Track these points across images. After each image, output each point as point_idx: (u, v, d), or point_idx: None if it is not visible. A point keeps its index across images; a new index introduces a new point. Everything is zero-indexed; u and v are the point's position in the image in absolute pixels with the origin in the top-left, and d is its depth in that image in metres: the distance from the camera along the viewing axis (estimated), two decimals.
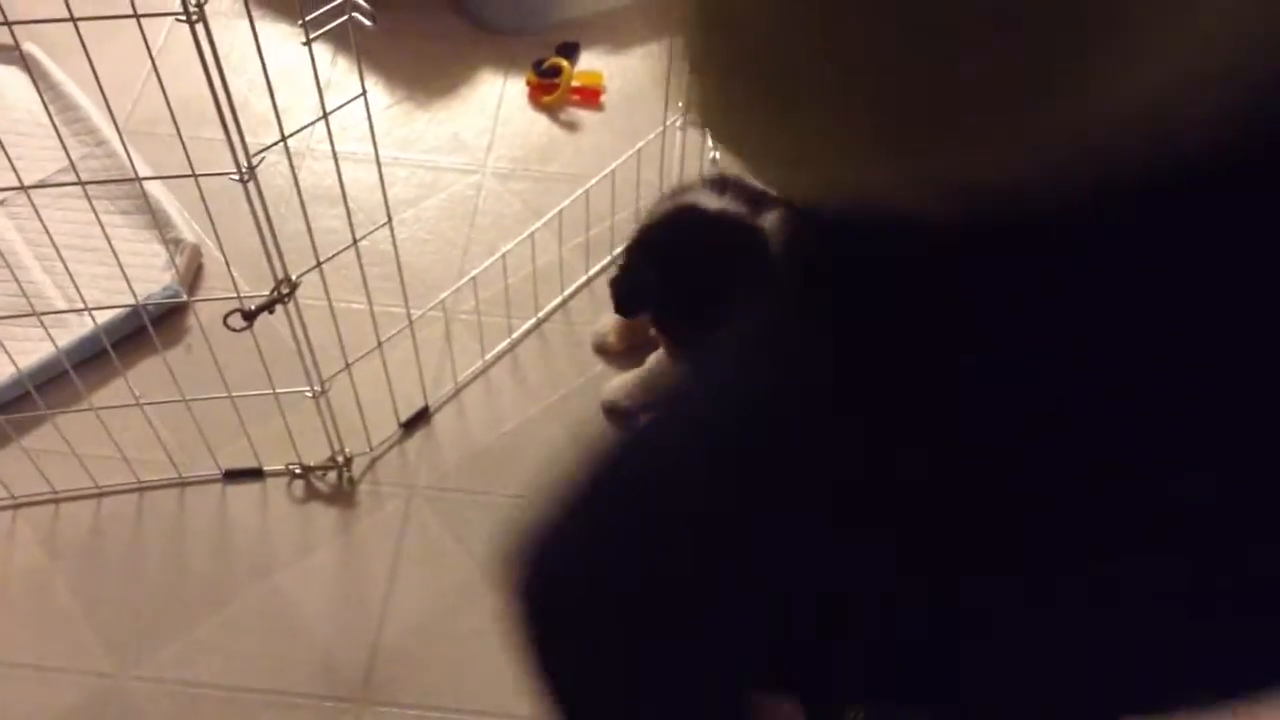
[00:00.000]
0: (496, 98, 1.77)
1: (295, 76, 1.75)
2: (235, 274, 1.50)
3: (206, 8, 0.89)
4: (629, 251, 1.32)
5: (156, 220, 1.53)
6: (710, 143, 1.68)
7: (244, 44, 1.86)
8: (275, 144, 1.01)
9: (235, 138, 0.97)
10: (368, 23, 0.99)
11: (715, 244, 1.24)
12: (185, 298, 1.47)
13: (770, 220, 1.22)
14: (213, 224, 1.09)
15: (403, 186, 1.66)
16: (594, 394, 1.46)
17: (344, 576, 1.31)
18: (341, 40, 1.79)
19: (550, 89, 1.75)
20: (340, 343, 1.26)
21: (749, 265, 1.20)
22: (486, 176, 1.68)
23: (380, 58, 1.81)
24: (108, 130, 1.64)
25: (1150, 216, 0.41)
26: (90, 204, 1.13)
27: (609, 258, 1.59)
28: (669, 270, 1.27)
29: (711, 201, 1.25)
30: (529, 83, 1.77)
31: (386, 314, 1.39)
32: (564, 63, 1.75)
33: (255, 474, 1.38)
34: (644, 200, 1.62)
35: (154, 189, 1.57)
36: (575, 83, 1.76)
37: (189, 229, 1.54)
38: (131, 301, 1.25)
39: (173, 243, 1.52)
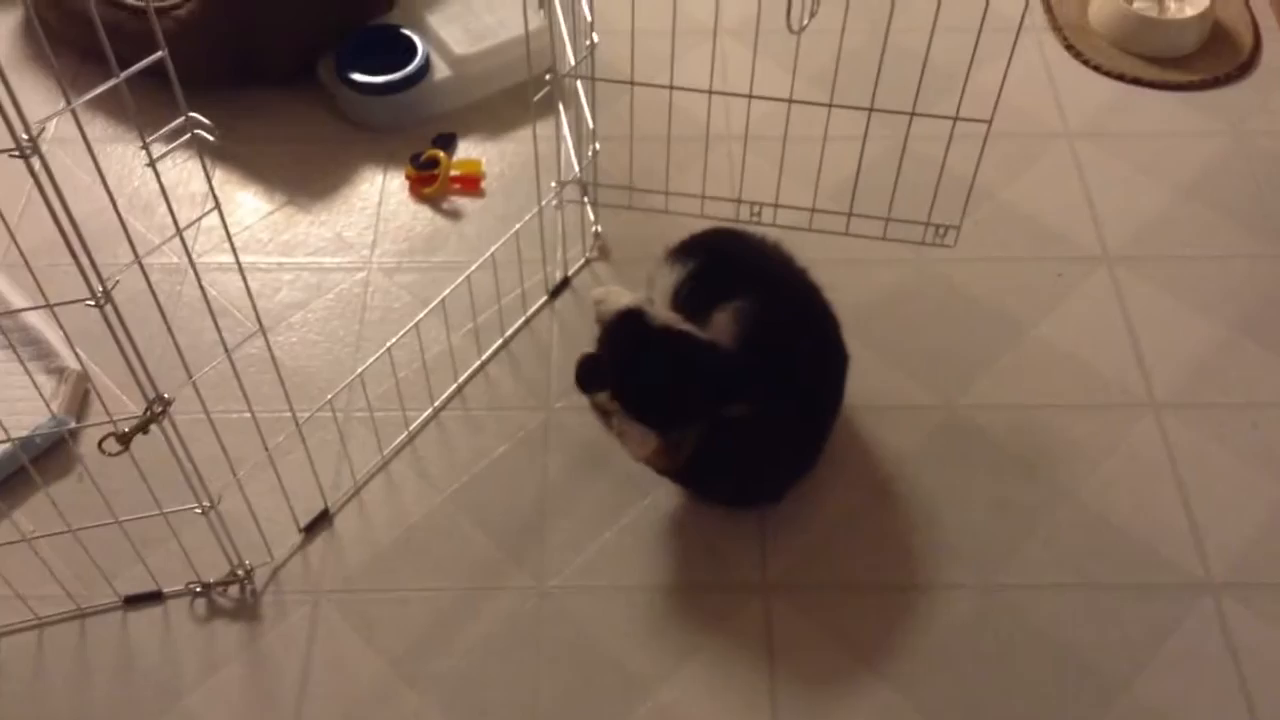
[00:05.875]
0: (377, 194, 1.79)
1: (170, 192, 1.76)
2: (121, 396, 1.50)
3: (64, 133, 0.90)
4: (600, 332, 1.42)
5: (39, 351, 1.52)
6: (592, 216, 1.70)
7: (117, 165, 1.88)
8: (129, 265, 1.01)
9: (85, 263, 0.97)
10: (210, 138, 1.00)
11: (658, 352, 1.34)
12: (72, 426, 1.45)
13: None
14: (74, 349, 1.09)
15: (289, 290, 1.66)
16: (496, 478, 1.46)
17: (253, 692, 1.28)
18: (214, 153, 1.82)
19: (429, 181, 1.77)
20: (226, 454, 1.25)
21: (688, 372, 1.32)
22: (373, 272, 1.68)
23: (257, 165, 1.82)
24: None
25: None
26: None
27: (500, 341, 1.60)
28: (620, 366, 1.37)
29: (661, 315, 1.35)
30: (408, 177, 1.79)
31: (278, 420, 1.39)
32: (440, 154, 1.77)
33: (155, 597, 1.36)
34: (529, 281, 1.64)
35: (35, 320, 1.56)
36: (454, 172, 1.78)
37: (73, 357, 1.52)
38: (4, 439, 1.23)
39: (56, 372, 1.51)
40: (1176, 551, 1.38)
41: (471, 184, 1.78)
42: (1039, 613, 1.33)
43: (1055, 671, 1.29)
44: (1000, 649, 1.31)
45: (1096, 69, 1.97)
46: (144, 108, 0.96)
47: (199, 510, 1.24)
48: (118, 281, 1.01)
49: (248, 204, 1.77)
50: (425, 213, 1.76)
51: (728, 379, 1.31)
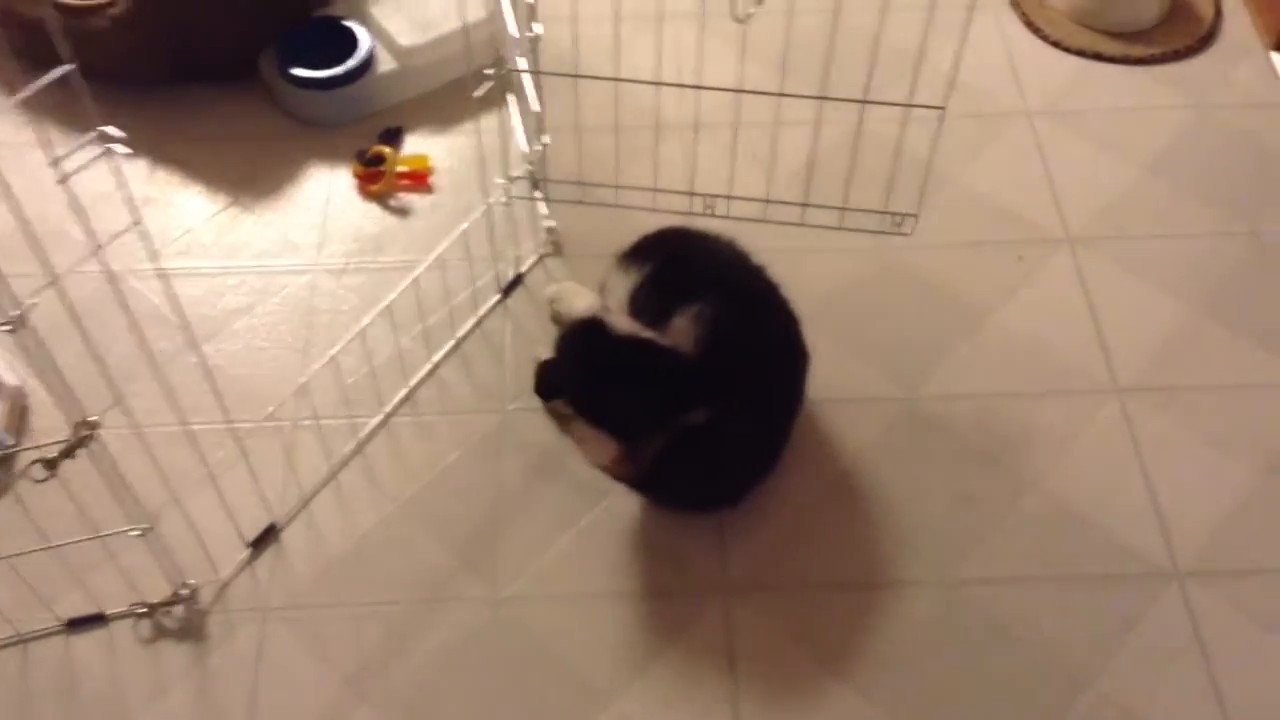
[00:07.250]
0: (324, 193, 1.74)
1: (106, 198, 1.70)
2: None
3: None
4: (557, 342, 1.41)
5: None
6: (544, 211, 1.66)
7: (51, 171, 1.82)
8: (46, 287, 0.97)
9: None
10: (125, 151, 0.96)
11: (619, 361, 1.32)
12: (7, 448, 1.41)
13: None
14: (6, 367, 1.04)
15: (234, 295, 1.61)
16: (450, 485, 1.42)
17: (201, 714, 1.25)
18: (154, 153, 1.76)
19: (376, 177, 1.72)
20: (162, 474, 1.21)
21: (651, 381, 1.30)
22: (320, 275, 1.64)
23: (199, 165, 1.77)
24: None
25: None
26: None
27: (452, 342, 1.56)
28: (581, 376, 1.35)
29: (621, 323, 1.33)
30: (355, 174, 1.74)
31: (224, 432, 1.35)
32: (386, 150, 1.73)
33: (99, 619, 1.32)
34: (481, 279, 1.60)
35: None
36: (402, 168, 1.74)
37: (11, 372, 1.48)
38: None
39: None
40: (1142, 540, 1.36)
41: (420, 180, 1.74)
42: (1003, 607, 1.31)
43: (1020, 667, 1.27)
44: (964, 646, 1.28)
45: (1056, 45, 1.94)
46: (74, 110, 0.91)
47: (137, 533, 1.21)
48: (35, 304, 0.97)
49: (190, 205, 1.73)
50: (374, 211, 1.72)
51: (690, 386, 1.28)
